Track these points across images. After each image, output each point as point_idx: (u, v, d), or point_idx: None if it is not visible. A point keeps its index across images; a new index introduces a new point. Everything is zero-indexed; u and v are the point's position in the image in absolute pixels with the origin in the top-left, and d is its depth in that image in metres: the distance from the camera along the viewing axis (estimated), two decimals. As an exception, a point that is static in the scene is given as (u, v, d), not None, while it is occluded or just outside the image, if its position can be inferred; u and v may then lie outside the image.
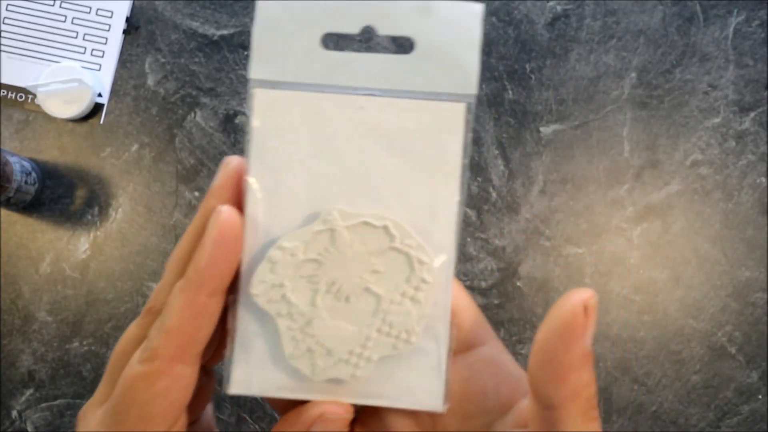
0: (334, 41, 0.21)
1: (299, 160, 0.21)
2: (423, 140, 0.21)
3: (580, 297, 0.18)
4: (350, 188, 0.21)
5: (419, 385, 0.21)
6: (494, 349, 0.22)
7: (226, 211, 0.20)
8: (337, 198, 0.21)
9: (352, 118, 0.21)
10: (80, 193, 0.55)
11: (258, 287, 0.21)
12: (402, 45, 0.55)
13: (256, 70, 0.21)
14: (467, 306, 0.22)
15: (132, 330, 0.22)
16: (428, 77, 0.21)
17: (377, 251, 0.21)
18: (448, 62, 0.21)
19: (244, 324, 0.21)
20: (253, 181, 0.21)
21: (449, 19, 0.21)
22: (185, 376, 0.20)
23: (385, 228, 0.21)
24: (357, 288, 0.21)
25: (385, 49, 0.55)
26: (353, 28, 0.21)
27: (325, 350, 0.21)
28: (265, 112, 0.21)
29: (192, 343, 0.20)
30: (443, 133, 0.21)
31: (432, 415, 0.22)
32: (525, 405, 0.20)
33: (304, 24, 0.21)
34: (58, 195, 0.55)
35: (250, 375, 0.21)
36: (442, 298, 0.21)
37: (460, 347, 0.22)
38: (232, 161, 0.21)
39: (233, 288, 0.21)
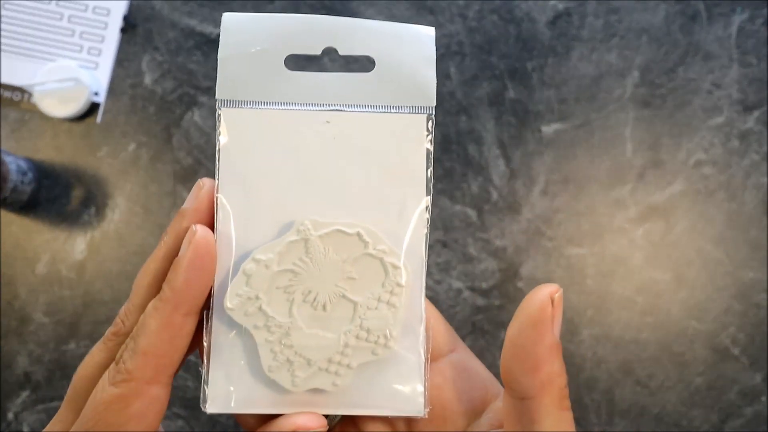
0: (297, 60, 0.22)
1: (268, 174, 0.22)
2: (388, 150, 0.22)
3: (546, 291, 0.19)
4: (321, 199, 0.22)
5: (400, 390, 0.21)
6: (464, 354, 0.23)
7: (201, 231, 0.20)
8: (308, 209, 0.21)
9: (318, 131, 0.22)
10: (77, 193, 0.55)
11: (233, 301, 0.21)
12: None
13: (222, 90, 0.22)
14: (434, 314, 0.23)
15: (96, 354, 0.21)
16: (390, 92, 0.22)
17: (351, 258, 0.21)
18: (408, 78, 0.22)
19: (219, 340, 0.21)
20: (222, 197, 0.22)
21: (407, 40, 0.22)
22: (160, 397, 0.20)
23: (358, 235, 0.21)
24: (333, 296, 0.21)
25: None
26: (316, 49, 0.22)
27: (305, 360, 0.21)
28: (232, 130, 0.22)
29: (168, 364, 0.20)
30: (408, 143, 0.22)
31: (408, 420, 0.22)
32: (498, 405, 0.21)
33: (269, 45, 0.22)
34: (54, 195, 0.54)
35: (227, 392, 0.21)
36: (417, 302, 0.22)
37: (433, 355, 0.22)
38: (205, 183, 0.21)
39: (206, 305, 0.21)
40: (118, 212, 0.55)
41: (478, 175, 0.55)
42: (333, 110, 0.22)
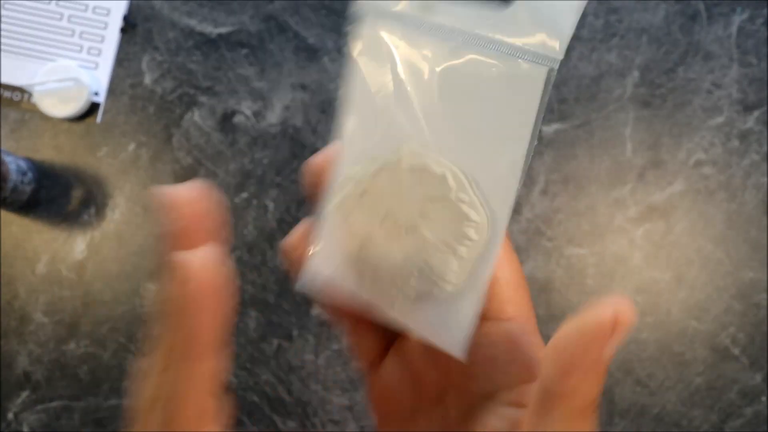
0: None
1: (388, 96, 0.22)
2: (500, 98, 0.21)
3: (611, 310, 0.17)
4: (423, 131, 0.21)
5: (446, 327, 0.21)
6: (519, 327, 0.22)
7: (195, 271, 0.17)
8: (409, 138, 0.21)
9: (439, 65, 0.21)
10: (77, 193, 0.55)
11: (328, 206, 0.22)
12: None
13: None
14: (508, 279, 0.23)
15: None
16: (520, 31, 0.21)
17: (431, 197, 0.21)
18: (543, 21, 0.21)
19: (319, 232, 0.22)
20: (350, 109, 0.22)
21: None
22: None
23: (443, 177, 0.21)
24: (408, 226, 0.21)
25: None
26: None
27: (374, 270, 0.22)
28: (365, 44, 0.22)
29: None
30: (521, 95, 0.21)
31: (445, 364, 0.22)
32: (532, 387, 0.21)
33: None
34: (54, 195, 0.54)
35: (317, 276, 0.22)
36: (485, 259, 0.21)
37: (484, 314, 0.22)
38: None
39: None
40: (118, 212, 0.55)
41: (478, 175, 0.55)
42: (458, 41, 0.21)
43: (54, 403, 0.53)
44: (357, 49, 0.22)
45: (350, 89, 0.22)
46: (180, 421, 0.18)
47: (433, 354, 0.22)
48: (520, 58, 0.21)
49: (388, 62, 0.22)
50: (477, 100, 0.21)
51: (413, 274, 0.21)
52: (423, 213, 0.21)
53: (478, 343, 0.22)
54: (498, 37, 0.21)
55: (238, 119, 0.55)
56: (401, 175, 0.21)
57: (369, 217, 0.22)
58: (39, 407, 0.53)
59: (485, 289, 0.21)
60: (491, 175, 0.22)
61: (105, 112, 0.55)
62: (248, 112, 0.56)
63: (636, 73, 0.56)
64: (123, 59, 0.56)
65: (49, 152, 0.55)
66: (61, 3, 0.56)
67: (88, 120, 0.55)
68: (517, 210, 0.55)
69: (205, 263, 0.18)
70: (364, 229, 0.22)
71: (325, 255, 0.22)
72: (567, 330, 0.18)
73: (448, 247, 0.21)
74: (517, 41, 0.21)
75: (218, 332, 0.18)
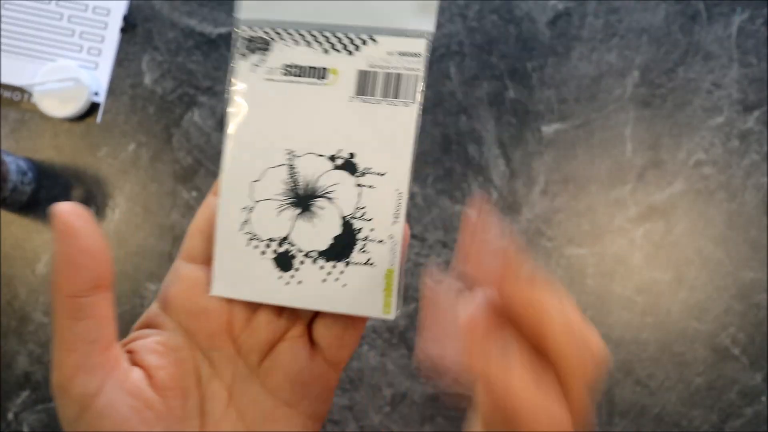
0: None
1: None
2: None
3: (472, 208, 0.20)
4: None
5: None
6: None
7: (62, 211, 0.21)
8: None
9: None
10: (77, 193, 0.55)
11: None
12: None
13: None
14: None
15: None
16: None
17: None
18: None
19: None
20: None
21: None
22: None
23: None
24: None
25: None
26: None
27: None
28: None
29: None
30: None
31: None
32: None
33: None
34: (54, 195, 0.54)
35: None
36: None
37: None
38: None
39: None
40: (118, 212, 0.55)
41: (478, 175, 0.55)
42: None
43: (54, 403, 0.53)
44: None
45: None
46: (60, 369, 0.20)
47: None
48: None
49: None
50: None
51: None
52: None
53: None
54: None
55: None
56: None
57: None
58: (39, 407, 0.53)
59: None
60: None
61: (105, 112, 0.55)
62: (248, 112, 0.55)
63: (636, 73, 0.56)
64: (123, 59, 0.56)
65: (49, 152, 0.55)
66: (61, 3, 0.56)
67: (88, 120, 0.55)
68: (517, 210, 0.55)
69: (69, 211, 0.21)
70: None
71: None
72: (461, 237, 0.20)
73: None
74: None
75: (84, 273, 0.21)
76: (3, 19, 0.56)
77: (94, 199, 0.55)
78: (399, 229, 0.23)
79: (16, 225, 0.54)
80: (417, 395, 0.53)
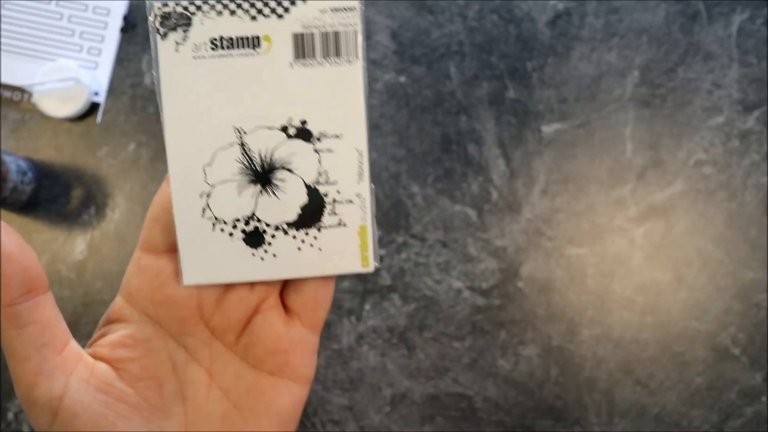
0: None
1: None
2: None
3: None
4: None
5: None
6: None
7: None
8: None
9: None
10: (77, 193, 0.55)
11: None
12: None
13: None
14: None
15: None
16: None
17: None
18: None
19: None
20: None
21: None
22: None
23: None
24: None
25: None
26: None
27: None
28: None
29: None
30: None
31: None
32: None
33: None
34: (54, 195, 0.54)
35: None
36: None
37: None
38: None
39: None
40: (118, 212, 0.55)
41: (478, 175, 0.55)
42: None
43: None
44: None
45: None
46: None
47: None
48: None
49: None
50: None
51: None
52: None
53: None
54: None
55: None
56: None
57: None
58: (39, 407, 0.53)
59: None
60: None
61: (105, 112, 0.55)
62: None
63: (636, 73, 0.56)
64: (123, 59, 0.56)
65: (49, 152, 0.55)
66: (61, 3, 0.56)
67: (88, 120, 0.55)
68: (517, 210, 0.55)
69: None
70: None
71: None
72: None
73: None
74: None
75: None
76: (3, 19, 0.56)
77: (94, 198, 0.55)
78: (365, 187, 0.23)
79: (16, 225, 0.54)
80: (417, 395, 0.53)
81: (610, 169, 0.55)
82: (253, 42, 0.22)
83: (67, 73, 0.54)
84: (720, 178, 0.55)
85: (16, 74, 0.55)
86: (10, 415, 0.52)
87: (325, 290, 0.24)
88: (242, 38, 0.22)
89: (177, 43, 0.22)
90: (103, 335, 0.23)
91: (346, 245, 0.23)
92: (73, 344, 0.21)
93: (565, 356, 0.53)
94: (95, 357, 0.22)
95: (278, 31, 0.22)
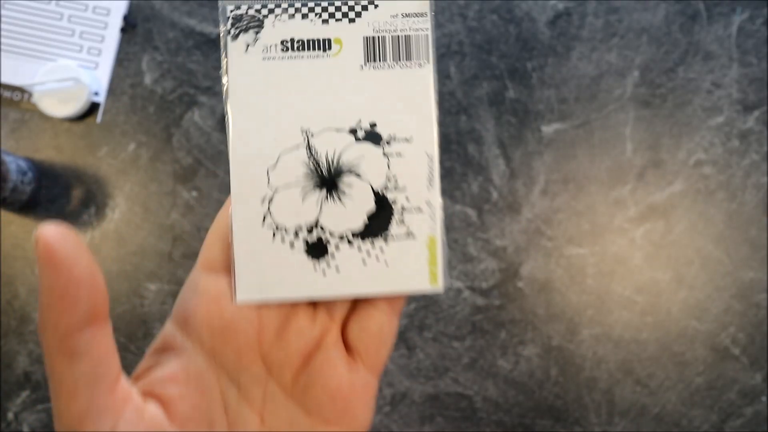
0: None
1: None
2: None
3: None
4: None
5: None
6: None
7: (44, 239, 0.18)
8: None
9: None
10: (77, 193, 0.55)
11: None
12: None
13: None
14: None
15: None
16: None
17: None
18: None
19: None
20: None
21: None
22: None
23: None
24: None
25: None
26: None
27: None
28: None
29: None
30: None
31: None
32: None
33: None
34: (54, 195, 0.54)
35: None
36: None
37: None
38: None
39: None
40: (118, 212, 0.55)
41: (478, 175, 0.55)
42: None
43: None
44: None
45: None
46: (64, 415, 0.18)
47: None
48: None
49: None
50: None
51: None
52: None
53: None
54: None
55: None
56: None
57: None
58: (39, 407, 0.53)
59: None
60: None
61: (105, 112, 0.55)
62: (248, 112, 0.55)
63: (636, 73, 0.56)
64: (123, 59, 0.56)
65: (49, 152, 0.55)
66: (61, 3, 0.56)
67: (88, 120, 0.55)
68: (516, 210, 0.55)
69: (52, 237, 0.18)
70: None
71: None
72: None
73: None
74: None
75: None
76: (3, 19, 0.56)
77: (94, 198, 0.55)
78: (435, 194, 0.22)
79: (16, 225, 0.54)
80: (417, 395, 0.53)
81: (610, 169, 0.55)
82: (324, 44, 0.22)
83: (67, 73, 0.54)
84: (720, 178, 0.55)
85: (16, 74, 0.55)
86: (10, 415, 0.52)
87: (390, 326, 0.22)
88: (313, 40, 0.22)
89: (247, 45, 0.21)
90: (152, 366, 0.21)
91: (414, 260, 0.22)
92: (124, 381, 0.19)
93: (565, 356, 0.53)
94: (145, 393, 0.20)
95: (350, 35, 0.22)
